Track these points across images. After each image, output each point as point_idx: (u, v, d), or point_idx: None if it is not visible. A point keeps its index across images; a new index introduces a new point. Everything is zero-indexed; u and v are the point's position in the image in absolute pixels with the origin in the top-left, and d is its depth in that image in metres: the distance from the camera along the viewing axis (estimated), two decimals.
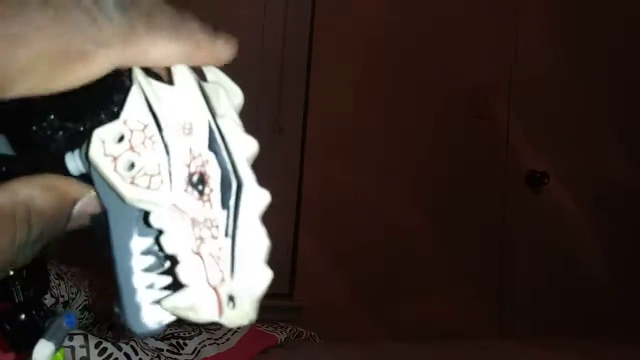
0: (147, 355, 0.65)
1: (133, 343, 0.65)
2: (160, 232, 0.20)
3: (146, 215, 0.20)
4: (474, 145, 1.61)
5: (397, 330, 1.44)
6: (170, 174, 0.19)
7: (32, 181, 0.20)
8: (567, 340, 1.05)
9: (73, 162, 0.21)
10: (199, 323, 0.19)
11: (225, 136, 0.20)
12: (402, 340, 1.00)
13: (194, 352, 0.74)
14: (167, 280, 0.20)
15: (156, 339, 0.73)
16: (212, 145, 0.20)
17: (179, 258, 0.19)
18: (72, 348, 0.60)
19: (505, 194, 1.64)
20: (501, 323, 1.58)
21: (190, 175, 0.19)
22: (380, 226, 1.52)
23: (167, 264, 0.21)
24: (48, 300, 0.69)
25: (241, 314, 0.19)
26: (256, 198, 0.20)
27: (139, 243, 0.20)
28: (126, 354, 0.63)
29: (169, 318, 0.20)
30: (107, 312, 0.77)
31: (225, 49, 0.21)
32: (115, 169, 0.19)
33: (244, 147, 0.20)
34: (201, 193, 0.19)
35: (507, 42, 1.64)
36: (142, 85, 0.20)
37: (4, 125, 0.23)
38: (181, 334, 0.76)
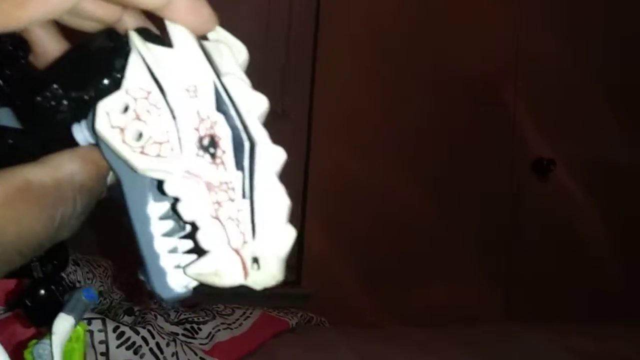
0: (164, 339, 0.66)
1: (150, 327, 0.66)
2: (176, 199, 0.19)
3: (160, 182, 0.19)
4: (481, 132, 1.61)
5: (405, 316, 1.45)
6: (179, 140, 0.19)
7: (72, 155, 0.20)
8: (578, 325, 1.06)
9: (81, 133, 0.21)
10: (225, 288, 0.19)
11: (233, 95, 0.19)
12: (411, 325, 1.01)
13: (208, 336, 0.76)
14: (189, 244, 0.20)
15: (171, 324, 0.74)
16: (219, 106, 0.19)
17: (198, 224, 0.19)
18: (91, 332, 0.60)
19: (513, 181, 1.64)
20: (510, 307, 1.59)
21: (201, 139, 0.19)
22: (387, 212, 1.52)
23: (188, 227, 0.20)
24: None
25: (267, 275, 0.19)
26: (271, 156, 0.19)
27: (155, 209, 0.20)
28: (143, 338, 0.64)
29: (194, 282, 0.20)
30: (129, 284, 0.78)
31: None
32: (123, 141, 0.19)
33: (254, 105, 0.20)
34: (213, 156, 0.19)
35: (513, 29, 1.63)
36: (140, 51, 0.19)
37: (9, 97, 0.22)
38: (195, 319, 0.77)
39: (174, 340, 0.68)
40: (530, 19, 1.63)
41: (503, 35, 1.62)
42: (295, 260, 1.51)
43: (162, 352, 0.65)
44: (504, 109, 1.63)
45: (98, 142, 0.20)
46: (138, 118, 0.19)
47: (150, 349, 0.64)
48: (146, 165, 0.19)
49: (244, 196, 0.19)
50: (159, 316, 0.73)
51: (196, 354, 0.69)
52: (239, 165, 0.19)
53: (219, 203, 0.19)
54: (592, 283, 1.64)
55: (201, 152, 0.19)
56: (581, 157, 1.67)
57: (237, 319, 0.82)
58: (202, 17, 0.20)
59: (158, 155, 0.19)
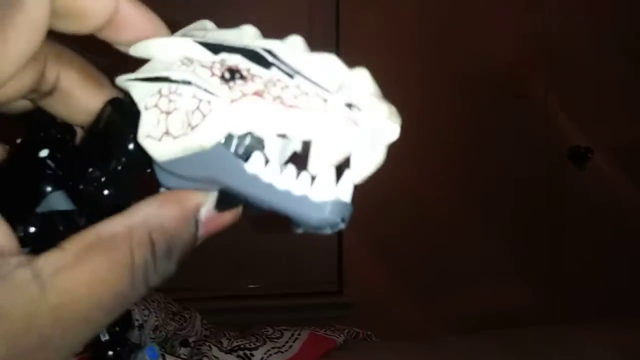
0: None
1: (206, 359, 0.69)
2: (251, 136, 0.19)
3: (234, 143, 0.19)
4: (514, 125, 1.58)
5: (449, 321, 1.44)
6: (207, 91, 0.19)
7: (149, 199, 0.19)
8: (627, 321, 1.03)
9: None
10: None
11: (218, 37, 0.21)
12: (458, 335, 1.00)
13: None
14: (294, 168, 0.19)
15: (225, 352, 0.76)
16: (216, 51, 0.20)
17: (283, 126, 0.18)
18: None
19: (550, 173, 1.61)
20: (555, 306, 1.56)
21: (222, 76, 0.19)
22: (423, 215, 1.51)
23: (289, 150, 0.20)
24: None
25: (374, 110, 0.18)
26: (290, 43, 0.20)
27: (250, 163, 0.19)
28: None
29: (341, 186, 0.19)
30: None
31: None
32: (175, 137, 0.19)
33: (242, 32, 0.21)
34: (242, 77, 0.19)
35: (537, 18, 1.59)
36: (132, 78, 0.21)
37: (62, 180, 0.24)
38: (247, 345, 0.79)
39: None
40: (554, 6, 1.59)
41: (528, 25, 1.59)
42: (336, 270, 1.52)
43: None
44: (535, 100, 1.60)
45: (166, 168, 0.20)
46: (168, 112, 0.20)
47: None
48: (206, 131, 0.19)
49: (291, 77, 0.19)
50: (213, 346, 0.75)
51: None
52: (268, 66, 0.19)
53: (279, 97, 0.18)
54: (637, 275, 1.59)
55: (231, 84, 0.19)
56: (619, 143, 1.62)
57: (287, 342, 0.84)
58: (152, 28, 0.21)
59: (203, 116, 0.19)
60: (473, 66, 1.55)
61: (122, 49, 0.22)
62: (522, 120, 1.59)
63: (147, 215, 0.19)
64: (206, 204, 0.20)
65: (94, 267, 0.17)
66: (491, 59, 1.56)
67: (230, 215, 0.21)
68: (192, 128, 0.19)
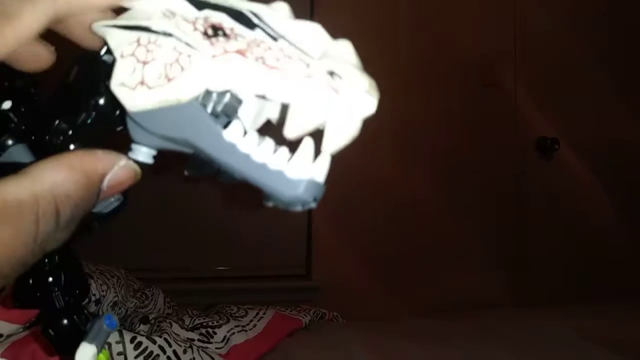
0: (180, 346, 0.67)
1: (166, 335, 0.67)
2: (230, 96, 0.19)
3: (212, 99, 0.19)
4: (483, 114, 1.60)
5: (414, 305, 1.46)
6: (188, 45, 0.19)
7: (55, 163, 0.18)
8: (587, 306, 1.06)
9: (137, 152, 0.21)
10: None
11: None
12: (423, 316, 1.01)
13: (223, 340, 0.77)
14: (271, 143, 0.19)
15: (187, 330, 0.74)
16: (200, 7, 0.20)
17: (264, 87, 0.18)
18: (109, 344, 0.61)
19: (517, 162, 1.64)
20: (519, 291, 1.60)
21: (204, 32, 0.19)
22: (393, 201, 1.52)
23: (264, 117, 0.20)
24: None
25: (355, 81, 0.18)
26: (276, 8, 0.20)
27: (229, 132, 0.19)
28: (160, 347, 0.65)
29: (314, 165, 0.19)
30: None
31: None
32: (149, 87, 0.19)
33: None
34: (225, 35, 0.19)
35: (510, 10, 1.61)
36: (110, 24, 0.20)
37: (24, 134, 0.23)
38: (210, 323, 0.78)
39: (191, 347, 0.69)
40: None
41: (500, 16, 1.61)
42: (305, 254, 1.52)
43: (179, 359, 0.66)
44: (505, 91, 1.62)
45: (139, 121, 0.20)
46: (145, 62, 0.19)
47: (168, 357, 0.65)
48: (185, 84, 0.18)
49: (275, 39, 0.19)
50: (174, 323, 0.74)
51: (213, 359, 0.70)
52: (252, 27, 0.19)
53: (261, 58, 0.18)
54: (599, 262, 1.64)
55: (213, 40, 0.19)
56: (585, 135, 1.66)
57: (251, 321, 0.83)
58: None
59: (182, 69, 0.18)
60: (445, 55, 1.56)
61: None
62: (491, 110, 1.61)
63: (54, 182, 0.18)
64: (111, 172, 0.20)
65: None
66: (463, 48, 1.57)
67: (130, 182, 0.20)
68: (170, 80, 0.18)
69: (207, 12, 0.19)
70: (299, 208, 0.19)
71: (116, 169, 0.20)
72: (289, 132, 0.18)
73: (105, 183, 0.19)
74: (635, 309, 1.00)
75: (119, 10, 0.21)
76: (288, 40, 0.19)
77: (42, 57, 0.22)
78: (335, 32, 0.20)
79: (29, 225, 0.17)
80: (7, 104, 0.23)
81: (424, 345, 0.80)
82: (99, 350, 0.31)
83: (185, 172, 0.21)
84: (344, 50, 0.19)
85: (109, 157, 0.20)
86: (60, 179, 0.18)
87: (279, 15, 0.19)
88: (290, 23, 0.19)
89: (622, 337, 0.87)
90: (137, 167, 0.20)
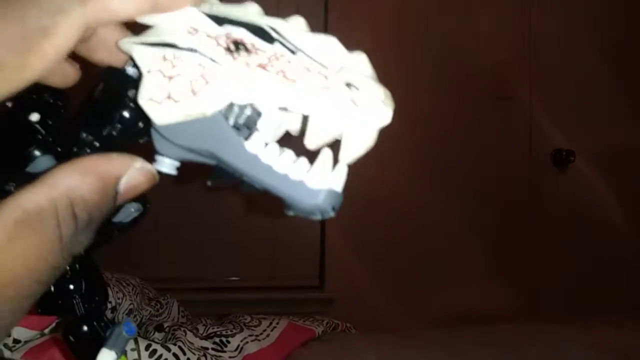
0: (194, 354, 0.68)
1: (180, 343, 0.68)
2: (252, 110, 0.20)
3: (234, 113, 0.20)
4: (498, 127, 1.60)
5: (427, 318, 1.45)
6: (212, 59, 0.19)
7: (69, 168, 0.19)
8: (602, 320, 1.04)
9: (163, 163, 0.22)
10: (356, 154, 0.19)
11: (224, 11, 0.21)
12: (436, 328, 1.00)
13: (237, 349, 0.77)
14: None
15: (200, 338, 0.75)
16: (220, 23, 0.20)
17: (285, 100, 0.19)
18: (124, 351, 0.62)
19: (533, 174, 1.62)
20: (532, 304, 1.57)
21: (227, 48, 0.19)
22: (406, 213, 1.52)
23: (283, 129, 0.21)
24: None
25: (371, 93, 0.19)
26: (293, 22, 0.20)
27: (251, 142, 0.19)
28: (175, 354, 0.66)
29: (335, 175, 0.19)
30: None
31: None
32: (176, 101, 0.19)
33: (245, 8, 0.21)
34: (247, 50, 0.19)
35: (523, 22, 1.61)
36: (136, 41, 0.21)
37: (52, 146, 0.24)
38: (223, 332, 0.79)
39: (205, 355, 0.70)
40: (540, 7, 1.61)
41: (513, 28, 1.61)
42: (318, 265, 1.52)
43: None
44: (520, 102, 1.62)
45: (164, 134, 0.20)
46: (171, 77, 0.20)
47: None
48: (209, 97, 0.19)
49: (293, 52, 0.19)
50: (188, 332, 0.74)
51: None
52: (272, 41, 0.20)
53: (282, 71, 0.19)
54: (615, 275, 1.61)
55: (236, 55, 0.19)
56: (600, 147, 1.64)
57: (264, 330, 0.83)
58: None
59: (207, 83, 0.19)
60: (458, 68, 1.56)
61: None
62: (506, 122, 1.61)
63: (69, 187, 0.18)
64: (126, 174, 0.20)
65: (26, 244, 0.17)
66: (477, 60, 1.57)
67: (147, 184, 0.21)
68: (195, 94, 0.19)
69: (228, 28, 0.20)
70: (318, 217, 0.19)
71: (131, 172, 0.20)
72: (310, 142, 0.19)
73: (122, 186, 0.20)
74: None
75: (139, 28, 0.21)
76: (306, 53, 0.19)
77: (69, 74, 0.22)
78: (348, 44, 0.21)
79: (52, 230, 0.18)
80: (35, 116, 0.24)
81: (437, 357, 0.80)
82: (118, 357, 0.32)
83: (208, 183, 0.21)
84: (360, 62, 0.20)
85: (123, 160, 0.20)
86: (74, 183, 0.18)
87: (296, 29, 0.20)
88: (307, 36, 0.20)
89: (638, 350, 0.86)
90: (153, 169, 0.21)
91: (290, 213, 0.20)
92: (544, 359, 0.82)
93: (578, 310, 1.54)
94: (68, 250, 0.19)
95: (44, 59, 0.18)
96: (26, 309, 0.18)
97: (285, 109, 0.19)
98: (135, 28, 0.22)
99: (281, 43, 0.19)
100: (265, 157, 0.19)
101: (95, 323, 0.36)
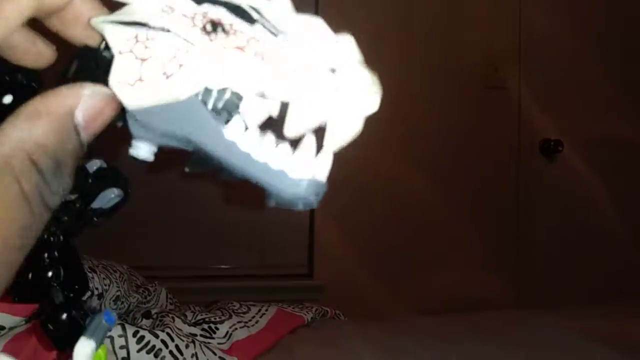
0: (183, 340, 0.67)
1: (168, 330, 0.67)
2: (237, 96, 0.19)
3: (211, 98, 0.19)
4: (487, 116, 1.60)
5: (417, 304, 1.46)
6: (187, 40, 0.18)
7: (16, 118, 0.18)
8: (591, 307, 1.06)
9: (137, 148, 0.20)
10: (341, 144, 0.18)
11: None
12: (425, 315, 1.01)
13: (225, 335, 0.76)
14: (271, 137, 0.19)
15: (189, 325, 0.74)
16: (198, 1, 0.19)
17: (263, 85, 0.18)
18: (111, 338, 0.61)
19: (520, 164, 1.63)
20: (521, 292, 1.59)
21: (203, 28, 0.19)
22: (394, 200, 1.52)
23: (266, 112, 0.20)
24: None
25: (356, 77, 0.18)
26: (276, 3, 0.19)
27: (229, 128, 0.19)
28: (163, 341, 0.65)
29: (315, 162, 0.18)
30: None
31: None
32: (149, 85, 0.19)
33: None
34: (224, 31, 0.19)
35: (513, 11, 1.61)
36: (108, 20, 0.20)
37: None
38: (212, 319, 0.78)
39: (193, 342, 0.69)
40: (530, 1, 1.61)
41: (503, 18, 1.61)
42: (307, 253, 1.52)
43: (181, 354, 0.65)
44: (509, 92, 1.62)
45: (138, 118, 0.19)
46: (143, 59, 0.19)
47: (170, 352, 0.65)
48: (182, 81, 0.18)
49: (275, 35, 0.19)
50: (176, 318, 0.73)
51: (215, 354, 0.70)
52: (252, 22, 0.19)
53: (260, 54, 0.18)
54: (603, 263, 1.63)
55: (212, 36, 0.18)
56: (588, 137, 1.66)
57: (253, 317, 0.83)
58: None
59: (180, 66, 0.18)
60: (448, 57, 1.56)
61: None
62: (495, 111, 1.61)
63: (19, 138, 0.17)
64: (79, 104, 0.19)
65: None
66: (467, 50, 1.57)
67: (109, 109, 0.19)
68: (168, 77, 0.18)
69: (206, 7, 0.19)
70: (300, 207, 0.19)
71: (85, 100, 0.19)
72: (289, 130, 0.18)
73: (79, 117, 0.19)
74: (636, 306, 0.99)
75: (116, 6, 0.20)
76: (288, 36, 0.18)
77: (43, 54, 0.21)
78: (340, 29, 0.20)
79: (10, 189, 0.17)
80: (8, 98, 0.23)
81: (427, 343, 0.80)
82: (98, 346, 0.31)
83: (186, 169, 0.20)
84: (346, 45, 0.19)
85: (71, 91, 0.19)
86: (24, 132, 0.17)
87: (280, 10, 0.19)
88: (291, 18, 0.19)
89: (628, 338, 0.87)
90: (108, 91, 0.19)
91: (272, 203, 0.19)
92: (532, 343, 0.83)
93: (567, 298, 1.56)
94: (38, 205, 0.17)
95: (5, 22, 0.18)
96: (3, 277, 0.17)
97: (262, 95, 0.18)
98: (113, 7, 0.21)
99: (262, 25, 0.19)
100: (243, 144, 0.18)
101: (74, 311, 0.35)
